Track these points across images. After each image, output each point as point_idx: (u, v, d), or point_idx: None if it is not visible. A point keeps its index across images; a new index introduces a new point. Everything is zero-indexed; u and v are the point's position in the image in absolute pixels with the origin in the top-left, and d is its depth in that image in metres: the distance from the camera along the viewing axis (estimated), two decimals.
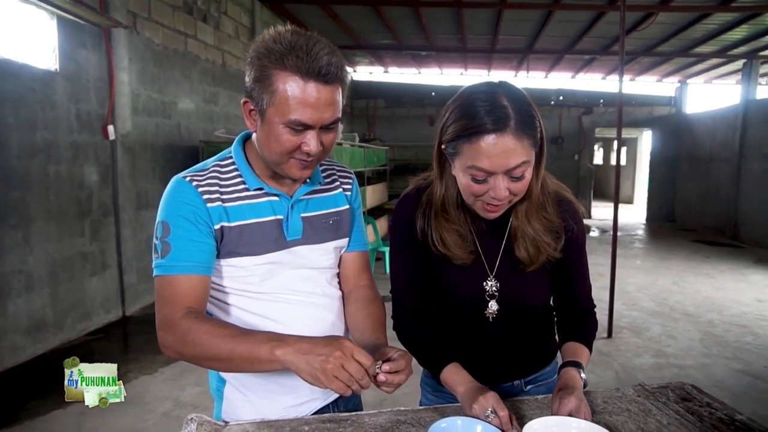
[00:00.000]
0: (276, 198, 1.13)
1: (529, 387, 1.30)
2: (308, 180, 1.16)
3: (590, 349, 1.20)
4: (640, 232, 11.30)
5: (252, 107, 1.02)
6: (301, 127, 0.99)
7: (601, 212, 13.95)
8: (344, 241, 1.25)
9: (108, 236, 4.62)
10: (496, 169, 1.00)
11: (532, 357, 1.31)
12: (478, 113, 0.98)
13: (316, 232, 1.18)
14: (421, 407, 1.15)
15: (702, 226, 11.32)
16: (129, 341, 4.32)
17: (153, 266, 1.07)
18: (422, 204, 1.18)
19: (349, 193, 1.27)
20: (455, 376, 1.11)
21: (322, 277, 1.21)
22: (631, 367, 3.74)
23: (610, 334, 4.36)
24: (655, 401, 1.18)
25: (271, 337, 0.96)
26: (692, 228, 11.54)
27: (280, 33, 0.99)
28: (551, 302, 1.30)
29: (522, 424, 0.96)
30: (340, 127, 5.07)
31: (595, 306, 1.29)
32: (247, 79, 1.01)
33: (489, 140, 0.98)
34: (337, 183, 1.26)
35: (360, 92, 13.62)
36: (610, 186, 18.93)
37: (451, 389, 1.11)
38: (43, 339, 3.88)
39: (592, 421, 0.99)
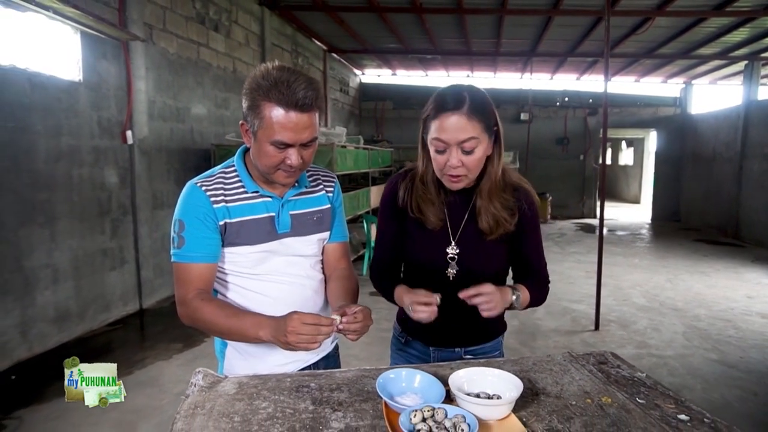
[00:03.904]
0: (269, 199, 1.41)
1: (468, 356, 1.57)
2: (296, 184, 1.44)
3: (531, 297, 1.46)
4: (644, 231, 11.44)
5: (247, 128, 1.31)
6: (283, 146, 1.27)
7: (607, 212, 13.99)
8: (326, 234, 1.53)
9: (126, 234, 4.96)
10: (450, 140, 1.30)
11: (479, 327, 1.56)
12: (444, 98, 1.32)
13: (303, 226, 1.46)
14: (383, 367, 1.42)
15: (705, 225, 11.44)
16: (146, 331, 4.64)
17: (171, 254, 1.36)
18: (407, 179, 1.50)
19: (331, 194, 1.55)
20: (401, 290, 1.43)
21: (306, 262, 1.49)
22: None
23: (597, 327, 4.59)
24: (576, 364, 1.44)
25: (255, 321, 1.26)
26: (696, 227, 11.67)
27: (268, 70, 1.27)
28: (505, 275, 1.56)
29: (443, 377, 1.22)
30: (344, 130, 5.35)
31: (548, 277, 1.55)
32: (243, 106, 1.30)
33: (447, 116, 1.30)
34: (321, 186, 1.54)
35: (368, 94, 13.90)
36: (618, 186, 19.02)
37: (399, 302, 1.45)
38: (67, 328, 4.22)
39: (513, 373, 1.25)
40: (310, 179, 1.51)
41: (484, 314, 1.33)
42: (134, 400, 3.19)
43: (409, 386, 1.20)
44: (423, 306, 1.32)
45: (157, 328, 4.58)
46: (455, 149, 1.31)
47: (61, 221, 4.15)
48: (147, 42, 5.03)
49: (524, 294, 1.44)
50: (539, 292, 1.51)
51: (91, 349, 4.12)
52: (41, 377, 3.53)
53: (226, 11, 6.70)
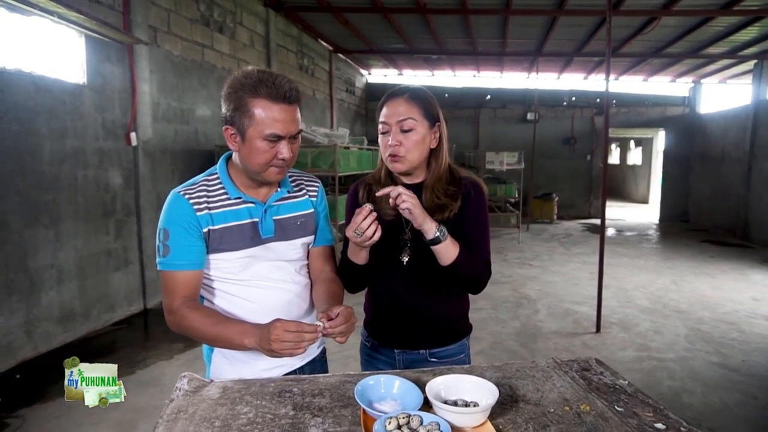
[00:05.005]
0: (252, 205, 1.43)
1: (433, 359, 1.59)
2: (278, 188, 1.46)
3: (460, 255, 1.43)
4: (651, 232, 11.36)
5: (233, 132, 1.33)
6: (275, 139, 1.29)
7: (615, 212, 14.02)
8: (310, 238, 1.54)
9: (130, 235, 5.01)
10: (390, 119, 1.45)
11: (438, 325, 1.59)
12: (391, 91, 1.51)
13: (286, 231, 1.48)
14: (366, 372, 1.43)
15: (713, 226, 11.34)
16: (149, 331, 4.70)
17: (157, 262, 1.38)
18: (365, 180, 1.64)
19: (314, 198, 1.57)
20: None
21: (291, 267, 1.51)
22: (613, 359, 3.96)
23: (598, 329, 4.57)
24: (559, 370, 1.44)
25: (240, 329, 1.28)
26: (704, 228, 11.56)
27: (248, 71, 1.31)
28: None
29: (424, 383, 1.23)
30: (347, 131, 5.39)
31: (489, 264, 1.54)
32: (225, 110, 1.32)
33: (389, 101, 1.48)
34: (304, 191, 1.55)
35: (375, 94, 13.90)
36: (626, 186, 18.89)
37: (350, 254, 1.48)
38: (72, 328, 4.28)
39: (497, 379, 1.26)
40: (293, 184, 1.53)
41: (402, 206, 1.35)
42: (136, 399, 3.23)
43: (389, 392, 1.21)
44: (364, 222, 1.32)
45: (160, 329, 4.63)
46: (395, 128, 1.45)
47: (65, 222, 4.20)
48: (151, 44, 5.07)
49: (453, 241, 1.42)
50: (471, 262, 1.47)
51: (95, 348, 4.17)
52: (45, 376, 3.58)
53: (231, 13, 6.74)
